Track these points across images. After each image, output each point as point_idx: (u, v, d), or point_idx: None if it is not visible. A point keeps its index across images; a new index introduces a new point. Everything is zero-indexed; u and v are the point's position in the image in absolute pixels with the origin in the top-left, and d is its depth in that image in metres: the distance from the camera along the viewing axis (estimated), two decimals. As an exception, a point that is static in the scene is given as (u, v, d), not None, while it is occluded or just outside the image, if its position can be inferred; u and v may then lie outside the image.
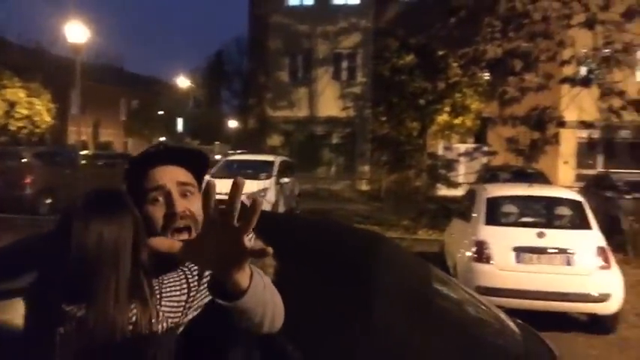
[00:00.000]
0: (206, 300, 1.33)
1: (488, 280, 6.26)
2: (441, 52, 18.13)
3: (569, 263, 6.27)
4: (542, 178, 14.74)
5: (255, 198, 1.05)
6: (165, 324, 1.27)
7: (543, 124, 12.85)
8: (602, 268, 6.26)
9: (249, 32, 27.61)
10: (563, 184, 16.51)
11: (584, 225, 6.78)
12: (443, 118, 19.56)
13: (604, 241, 6.54)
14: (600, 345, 6.01)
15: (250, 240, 1.35)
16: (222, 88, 55.17)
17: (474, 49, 11.78)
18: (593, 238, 6.57)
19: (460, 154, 24.09)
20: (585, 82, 11.13)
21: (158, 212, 1.42)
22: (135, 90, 45.22)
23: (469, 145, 23.95)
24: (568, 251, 6.30)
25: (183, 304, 1.30)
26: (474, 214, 7.32)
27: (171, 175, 1.46)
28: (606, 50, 10.44)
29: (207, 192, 1.05)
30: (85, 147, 24.82)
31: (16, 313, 2.46)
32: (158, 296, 1.28)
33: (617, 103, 10.65)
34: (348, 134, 25.48)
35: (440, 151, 23.75)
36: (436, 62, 18.35)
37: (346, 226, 5.01)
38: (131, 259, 1.26)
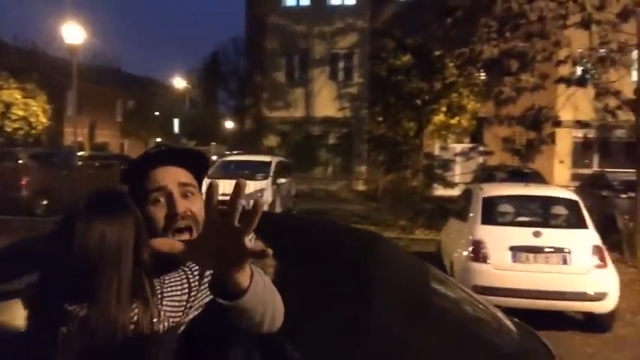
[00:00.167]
0: (207, 300, 1.34)
1: (484, 280, 6.28)
2: (437, 53, 18.18)
3: (565, 262, 6.30)
4: (538, 178, 14.79)
5: (256, 200, 1.07)
6: (166, 323, 1.28)
7: (539, 123, 12.88)
8: (598, 267, 6.29)
9: (246, 33, 27.61)
10: (559, 184, 16.56)
11: (580, 224, 6.81)
12: (439, 118, 19.61)
13: (600, 240, 6.58)
14: (596, 343, 6.03)
15: (251, 240, 1.37)
16: (218, 88, 55.14)
17: (471, 50, 11.80)
18: (589, 237, 6.60)
19: (456, 154, 24.17)
20: (581, 81, 11.14)
21: (159, 213, 1.44)
22: (131, 91, 45.13)
23: (465, 145, 24.02)
24: (564, 250, 6.33)
25: (184, 303, 1.32)
26: (470, 214, 7.35)
27: (173, 176, 1.48)
28: (602, 50, 10.46)
29: (210, 193, 1.06)
30: (81, 148, 24.75)
31: (15, 314, 2.48)
32: (159, 296, 1.29)
33: (612, 102, 10.67)
34: (345, 134, 25.50)
35: (436, 151, 23.81)
36: (432, 62, 18.40)
37: (345, 227, 5.03)
38: (133, 259, 1.27)
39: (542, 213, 7.20)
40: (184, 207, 1.45)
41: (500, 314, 2.55)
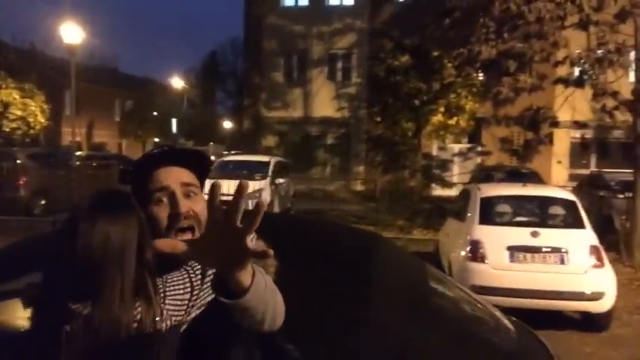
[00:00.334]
0: (209, 299, 1.35)
1: (482, 279, 6.30)
2: (435, 53, 18.23)
3: (562, 262, 6.32)
4: (535, 178, 14.82)
5: (259, 200, 1.08)
6: (168, 322, 1.30)
7: (537, 124, 12.90)
8: (596, 266, 6.31)
9: (244, 33, 27.60)
10: (557, 184, 16.60)
11: (578, 224, 6.83)
12: (437, 118, 19.65)
13: (597, 240, 6.60)
14: (594, 343, 6.06)
15: (252, 240, 1.39)
16: (216, 88, 55.19)
17: (469, 50, 11.80)
18: (586, 237, 6.62)
19: (454, 154, 24.21)
20: (579, 82, 11.16)
21: (162, 212, 1.45)
22: (129, 91, 45.10)
23: (463, 146, 24.06)
24: (562, 250, 6.35)
25: (186, 302, 1.33)
26: (468, 214, 7.37)
27: (175, 176, 1.49)
28: (600, 51, 10.49)
29: (213, 193, 1.08)
30: (79, 148, 24.74)
31: (15, 313, 2.49)
32: (162, 295, 1.31)
33: (610, 103, 10.69)
34: (343, 135, 25.50)
35: (434, 152, 23.84)
36: (431, 63, 18.45)
37: (344, 226, 5.03)
38: (136, 258, 1.28)
39: (539, 213, 7.23)
40: (187, 207, 1.46)
41: (498, 313, 2.56)
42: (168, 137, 46.30)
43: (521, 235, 6.53)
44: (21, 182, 14.34)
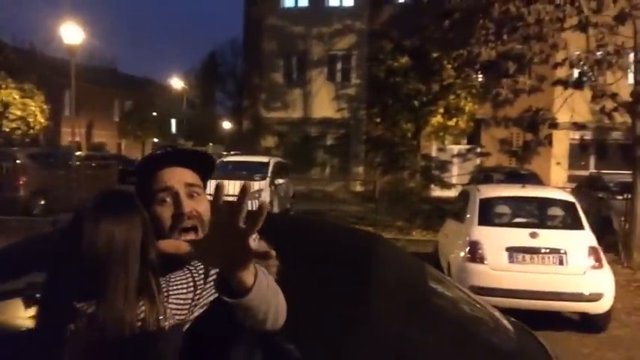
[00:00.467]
0: (211, 298, 1.37)
1: (481, 280, 6.31)
2: (435, 54, 18.25)
3: (561, 263, 6.34)
4: (535, 179, 14.81)
5: (262, 202, 1.10)
6: (172, 321, 1.32)
7: (536, 125, 12.95)
8: (594, 267, 6.33)
9: (244, 33, 27.61)
10: (556, 185, 16.61)
11: (577, 225, 6.85)
12: (437, 119, 19.67)
13: (596, 242, 6.62)
14: (592, 343, 6.08)
15: (254, 240, 1.40)
16: (216, 89, 55.15)
17: (468, 52, 11.83)
18: (585, 238, 6.64)
19: (454, 156, 24.24)
20: (578, 84, 11.19)
21: (166, 212, 1.47)
22: (128, 91, 45.11)
23: (462, 147, 24.10)
24: (560, 251, 6.37)
25: (189, 301, 1.35)
26: (467, 215, 7.38)
27: (179, 177, 1.51)
28: (599, 53, 10.52)
29: (217, 194, 1.09)
30: (78, 148, 24.77)
31: (16, 313, 2.50)
32: (165, 294, 1.32)
33: (609, 105, 10.72)
34: (343, 135, 25.52)
35: (434, 153, 23.87)
36: (430, 64, 18.46)
37: (344, 227, 5.05)
38: (140, 258, 1.30)
39: (538, 214, 7.24)
40: (190, 207, 1.48)
41: (497, 314, 2.58)
42: (167, 138, 46.31)
43: (520, 236, 6.55)
44: (20, 182, 14.34)
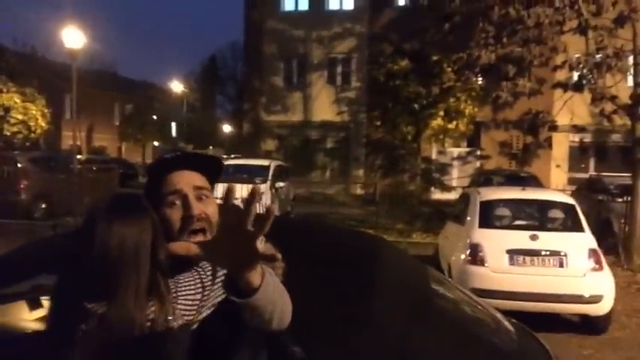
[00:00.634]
0: (219, 299, 1.40)
1: (482, 283, 6.33)
2: (435, 57, 18.28)
3: (561, 265, 6.36)
4: (535, 182, 14.84)
5: (269, 206, 1.13)
6: (180, 321, 1.35)
7: (536, 128, 12.95)
8: (594, 270, 6.35)
9: (244, 37, 27.65)
10: (556, 188, 16.62)
11: (577, 228, 6.87)
12: (437, 122, 19.68)
13: (596, 244, 6.64)
14: (592, 345, 6.09)
15: (261, 242, 1.43)
16: (216, 92, 55.24)
17: (468, 55, 11.87)
18: (585, 240, 6.66)
19: (454, 158, 24.27)
20: (577, 87, 11.22)
21: (175, 215, 1.50)
22: (129, 95, 45.16)
23: (463, 149, 24.12)
24: (560, 253, 6.39)
25: (197, 302, 1.38)
26: (468, 218, 7.40)
27: (188, 180, 1.54)
28: (598, 56, 10.55)
29: (227, 197, 1.13)
30: (79, 152, 24.79)
31: (20, 315, 2.53)
32: (174, 295, 1.35)
33: (608, 107, 10.74)
34: (343, 138, 25.55)
35: (434, 155, 23.89)
36: (430, 67, 18.50)
37: (347, 229, 5.08)
38: (150, 259, 1.33)
39: (538, 216, 7.26)
40: (199, 209, 1.51)
41: (498, 315, 2.60)
42: (167, 141, 46.37)
43: (520, 239, 6.57)
44: (22, 186, 14.35)
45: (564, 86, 11.40)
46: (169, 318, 1.32)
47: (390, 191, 18.42)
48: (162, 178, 1.54)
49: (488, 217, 7.12)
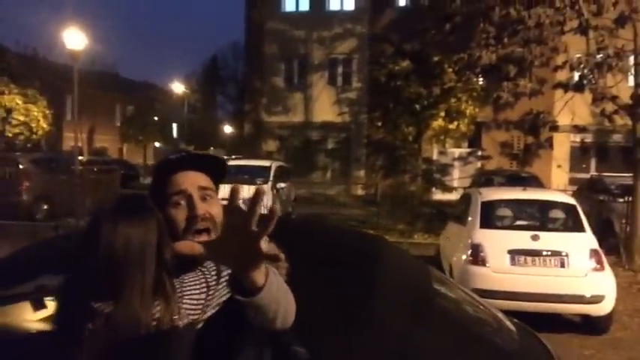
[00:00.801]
0: (223, 299, 1.41)
1: (483, 283, 6.34)
2: (436, 58, 18.29)
3: (562, 265, 6.37)
4: (536, 182, 14.85)
5: (272, 206, 1.15)
6: (185, 320, 1.36)
7: (537, 128, 12.95)
8: (596, 270, 6.36)
9: (245, 37, 27.69)
10: (557, 188, 16.63)
11: (578, 228, 6.88)
12: (438, 123, 19.68)
13: (597, 244, 6.64)
14: (594, 345, 6.10)
15: (265, 242, 1.45)
16: (217, 93, 55.23)
17: (469, 55, 11.88)
18: (586, 240, 6.67)
19: (455, 159, 24.27)
20: (578, 87, 11.21)
21: (180, 215, 1.52)
22: (130, 96, 45.20)
23: (463, 150, 24.13)
24: (562, 254, 6.40)
25: (202, 302, 1.39)
26: (469, 218, 7.41)
27: (192, 180, 1.56)
28: (599, 56, 10.55)
29: (232, 197, 1.14)
30: (80, 153, 24.83)
31: (24, 316, 2.54)
32: (179, 294, 1.37)
33: (609, 107, 10.74)
34: (344, 139, 25.57)
35: (435, 156, 23.89)
36: (431, 68, 18.50)
37: (348, 229, 5.09)
38: (155, 259, 1.35)
39: (540, 217, 7.27)
40: (204, 209, 1.53)
41: (500, 315, 2.61)
42: (168, 142, 46.37)
43: (521, 239, 6.58)
44: (23, 187, 14.37)
45: (565, 86, 11.41)
46: (175, 317, 1.34)
47: (391, 192, 18.43)
48: (167, 178, 1.56)
49: (490, 218, 7.13)
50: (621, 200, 11.36)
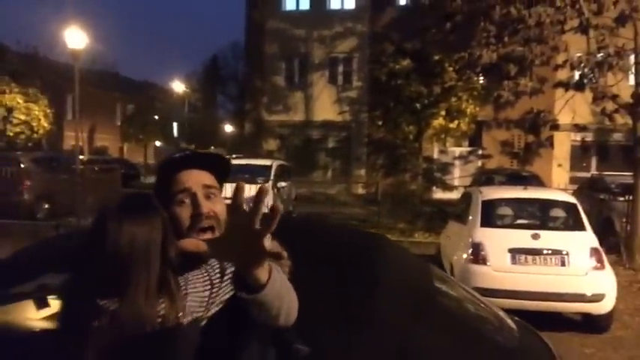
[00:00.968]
0: (227, 296, 1.43)
1: (484, 282, 6.35)
2: (436, 57, 18.28)
3: (563, 264, 6.38)
4: (536, 181, 14.85)
5: (274, 205, 1.17)
6: (189, 318, 1.37)
7: (537, 127, 12.96)
8: (596, 268, 6.37)
9: (246, 37, 27.68)
10: (558, 187, 16.63)
11: (578, 226, 6.89)
12: (438, 121, 19.68)
13: (597, 243, 6.65)
14: (594, 344, 6.11)
15: (268, 240, 1.46)
16: (217, 92, 55.19)
17: (469, 54, 11.88)
18: (586, 239, 6.68)
19: (455, 158, 24.28)
20: (579, 86, 11.22)
21: (185, 213, 1.53)
22: (130, 95, 45.19)
23: (464, 149, 24.13)
24: (562, 252, 6.41)
25: (206, 299, 1.40)
26: (469, 217, 7.42)
27: (197, 179, 1.57)
28: (599, 55, 10.55)
29: (237, 195, 1.16)
30: (81, 152, 24.86)
31: (27, 314, 2.56)
32: (184, 292, 1.38)
33: (610, 106, 10.75)
34: (344, 138, 25.57)
35: (435, 155, 23.89)
36: (432, 67, 18.49)
37: (350, 228, 5.10)
38: (160, 257, 1.36)
39: (540, 215, 7.28)
40: (208, 207, 1.54)
41: (501, 313, 2.63)
42: (169, 141, 46.38)
43: (522, 238, 6.59)
44: (24, 186, 14.39)
45: (566, 85, 11.41)
46: (179, 315, 1.35)
47: (391, 191, 18.45)
48: (172, 177, 1.57)
49: (490, 216, 7.14)
50: (622, 199, 11.37)
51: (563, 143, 22.18)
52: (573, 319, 6.72)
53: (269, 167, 15.24)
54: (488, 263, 6.49)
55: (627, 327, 6.71)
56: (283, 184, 15.81)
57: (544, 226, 6.95)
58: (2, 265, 2.39)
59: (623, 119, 11.24)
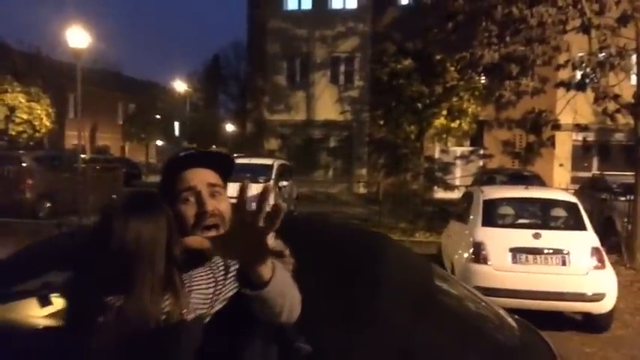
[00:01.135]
0: (231, 294, 1.45)
1: (485, 281, 6.36)
2: (438, 57, 18.26)
3: (564, 263, 6.39)
4: (538, 181, 14.85)
5: (277, 203, 1.18)
6: (193, 315, 1.39)
7: (539, 127, 12.97)
8: (597, 268, 6.38)
9: (247, 36, 27.68)
10: (559, 187, 16.62)
11: (579, 226, 6.90)
12: (440, 121, 19.66)
13: (598, 242, 6.66)
14: (595, 343, 6.12)
15: (272, 238, 1.48)
16: (219, 91, 55.27)
17: (471, 54, 11.87)
18: (587, 239, 6.69)
19: (457, 157, 24.27)
20: (580, 86, 11.21)
21: (189, 211, 1.55)
22: (132, 94, 45.23)
23: (465, 149, 24.13)
24: (563, 252, 6.41)
25: (210, 296, 1.42)
26: (471, 216, 7.43)
27: (202, 177, 1.59)
28: (601, 54, 10.55)
29: (241, 194, 1.18)
30: (82, 151, 24.90)
31: (30, 312, 2.58)
32: (188, 289, 1.40)
33: (611, 106, 10.74)
34: (346, 138, 25.57)
35: (437, 155, 23.89)
36: (433, 66, 18.47)
37: (351, 227, 5.12)
38: (165, 255, 1.38)
39: (541, 215, 7.29)
40: (212, 206, 1.56)
41: (502, 312, 2.64)
42: (171, 140, 46.44)
43: (523, 237, 6.59)
44: (26, 185, 14.43)
45: (567, 85, 11.41)
46: (184, 311, 1.37)
47: (393, 190, 18.46)
48: (177, 175, 1.59)
49: (492, 216, 7.15)
50: (623, 199, 11.37)
51: (565, 143, 22.17)
52: (574, 318, 6.73)
53: (270, 166, 15.26)
54: (489, 262, 6.50)
55: (628, 326, 6.72)
56: (285, 183, 15.83)
57: (545, 226, 6.96)
58: (5, 263, 2.41)
59: (624, 119, 11.23)
